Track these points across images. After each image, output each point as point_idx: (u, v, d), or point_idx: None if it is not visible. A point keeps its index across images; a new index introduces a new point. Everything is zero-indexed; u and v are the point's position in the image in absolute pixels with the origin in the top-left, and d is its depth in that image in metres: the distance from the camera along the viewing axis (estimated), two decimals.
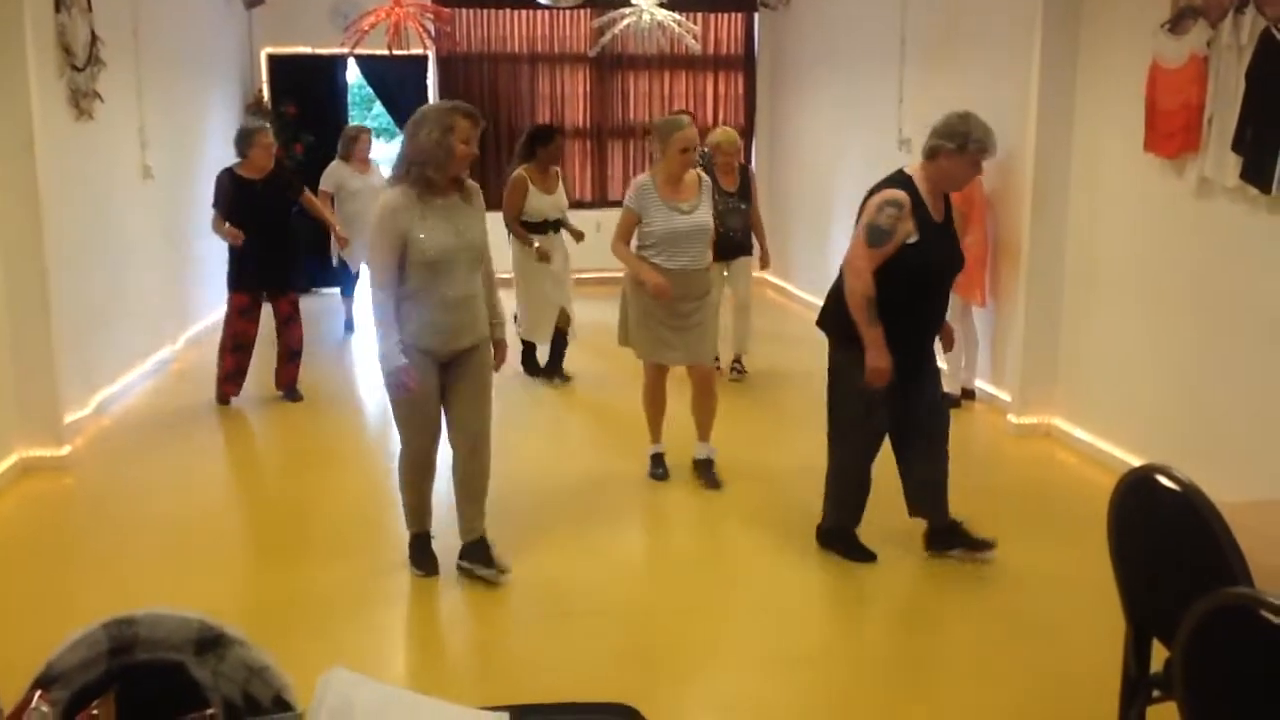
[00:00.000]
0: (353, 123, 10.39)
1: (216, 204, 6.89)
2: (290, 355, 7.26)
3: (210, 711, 1.54)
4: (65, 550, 4.91)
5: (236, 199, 6.81)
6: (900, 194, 4.25)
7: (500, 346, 4.52)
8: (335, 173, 9.07)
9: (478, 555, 4.45)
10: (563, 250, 7.52)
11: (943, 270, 4.41)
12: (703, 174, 5.57)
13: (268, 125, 7.32)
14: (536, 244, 7.23)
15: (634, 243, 5.40)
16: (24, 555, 4.83)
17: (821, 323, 4.62)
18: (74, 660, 1.54)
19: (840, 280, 4.45)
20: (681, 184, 5.35)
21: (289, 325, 7.18)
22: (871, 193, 4.35)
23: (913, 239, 4.23)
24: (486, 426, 4.45)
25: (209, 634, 1.62)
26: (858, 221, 4.35)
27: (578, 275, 8.12)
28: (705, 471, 5.58)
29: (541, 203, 7.35)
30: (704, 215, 5.40)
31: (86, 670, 1.54)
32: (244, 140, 6.93)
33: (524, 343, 7.69)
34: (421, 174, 4.08)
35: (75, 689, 1.52)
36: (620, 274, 5.59)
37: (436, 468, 4.52)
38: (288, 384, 7.28)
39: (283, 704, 1.63)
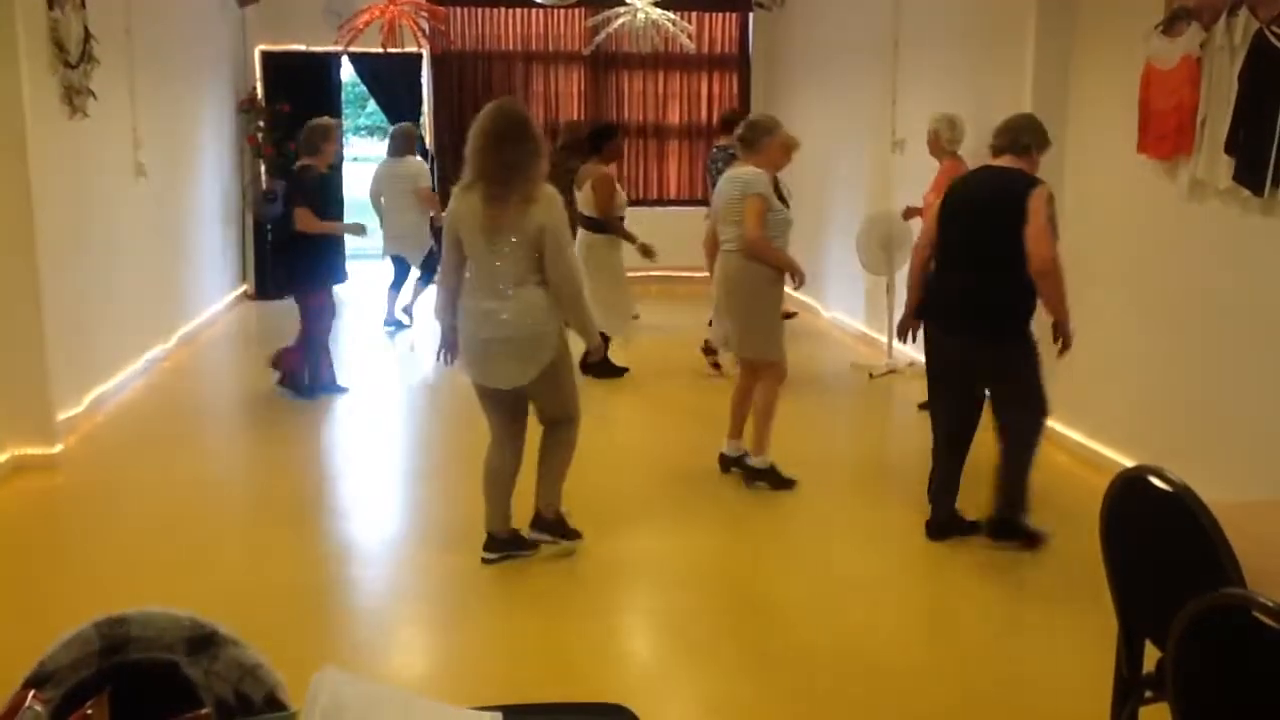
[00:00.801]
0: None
1: (309, 201, 6.89)
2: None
3: (204, 711, 1.53)
4: (57, 548, 4.89)
5: (322, 194, 6.96)
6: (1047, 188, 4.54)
7: None
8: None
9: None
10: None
11: None
12: None
13: (336, 119, 7.47)
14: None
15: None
16: (15, 553, 4.82)
17: (978, 328, 4.59)
18: (66, 659, 1.53)
19: (986, 285, 4.54)
20: None
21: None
22: (1016, 189, 4.47)
23: None
24: None
25: (201, 633, 1.62)
26: (1018, 217, 4.41)
27: None
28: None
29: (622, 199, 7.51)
30: None
31: (78, 670, 1.54)
32: (321, 136, 7.01)
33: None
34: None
35: (67, 688, 1.51)
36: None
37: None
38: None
39: (276, 703, 1.62)
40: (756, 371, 5.57)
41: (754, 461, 5.54)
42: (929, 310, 4.81)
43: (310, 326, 7.09)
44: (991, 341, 4.59)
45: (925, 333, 4.87)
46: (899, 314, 8.00)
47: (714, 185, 6.28)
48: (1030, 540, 4.70)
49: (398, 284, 9.51)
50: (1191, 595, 1.97)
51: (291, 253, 7.10)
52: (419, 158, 8.06)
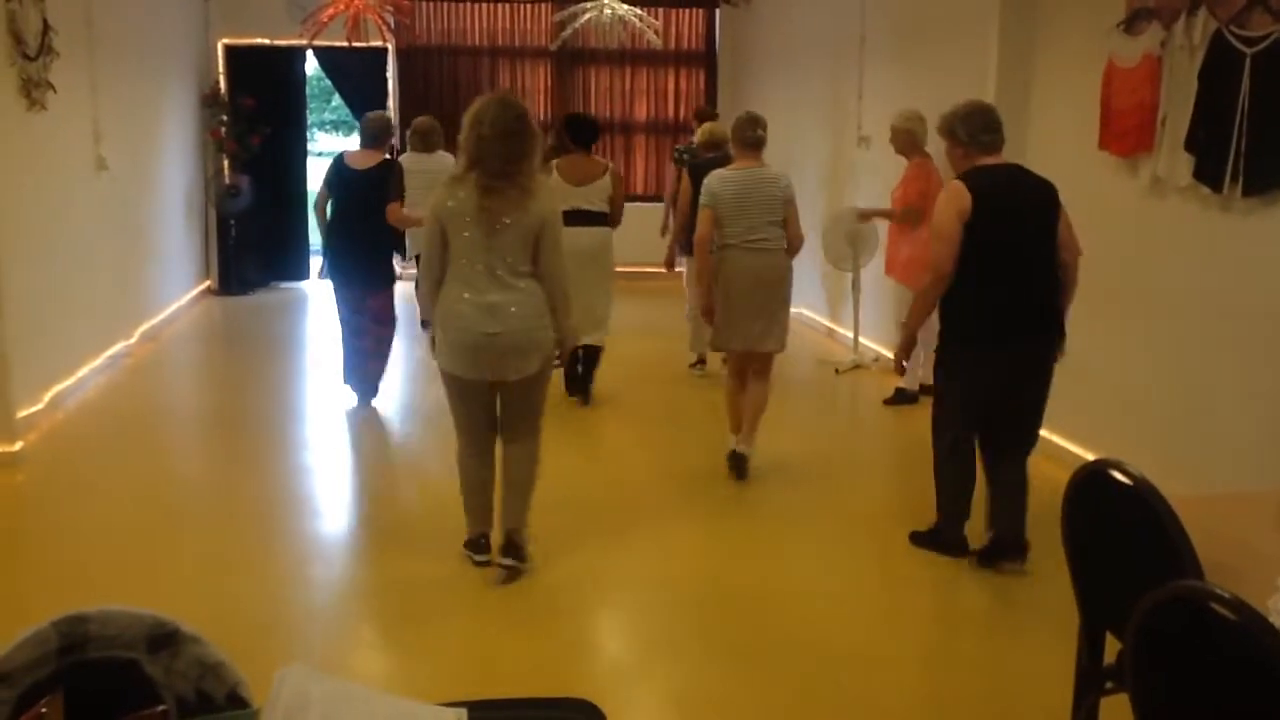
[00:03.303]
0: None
1: (400, 195, 6.61)
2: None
3: (161, 708, 1.52)
4: (16, 547, 4.84)
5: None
6: None
7: None
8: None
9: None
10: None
11: None
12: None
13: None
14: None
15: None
16: None
17: (1045, 338, 4.46)
18: (22, 659, 1.51)
19: (1047, 289, 4.44)
20: None
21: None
22: (1048, 187, 4.44)
23: None
24: None
25: (162, 631, 1.61)
26: (1057, 216, 4.42)
27: None
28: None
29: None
30: None
31: (36, 669, 1.52)
32: (386, 128, 7.06)
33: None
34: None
35: (24, 688, 1.50)
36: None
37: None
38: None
39: (238, 700, 1.61)
40: (761, 366, 5.60)
41: (743, 450, 5.61)
42: (976, 329, 4.40)
43: (391, 327, 6.88)
44: (1052, 348, 4.46)
45: (957, 355, 4.46)
46: (864, 310, 8.03)
47: (696, 181, 6.07)
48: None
49: None
50: (1151, 587, 2.00)
51: (379, 248, 6.78)
52: (447, 153, 7.74)
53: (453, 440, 4.52)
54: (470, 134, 4.16)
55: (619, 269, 7.20)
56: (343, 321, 6.84)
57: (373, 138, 6.86)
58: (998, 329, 4.36)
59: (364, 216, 6.58)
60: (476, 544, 4.49)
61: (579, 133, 7.03)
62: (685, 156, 8.18)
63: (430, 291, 4.34)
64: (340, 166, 6.72)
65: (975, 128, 4.42)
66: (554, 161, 6.93)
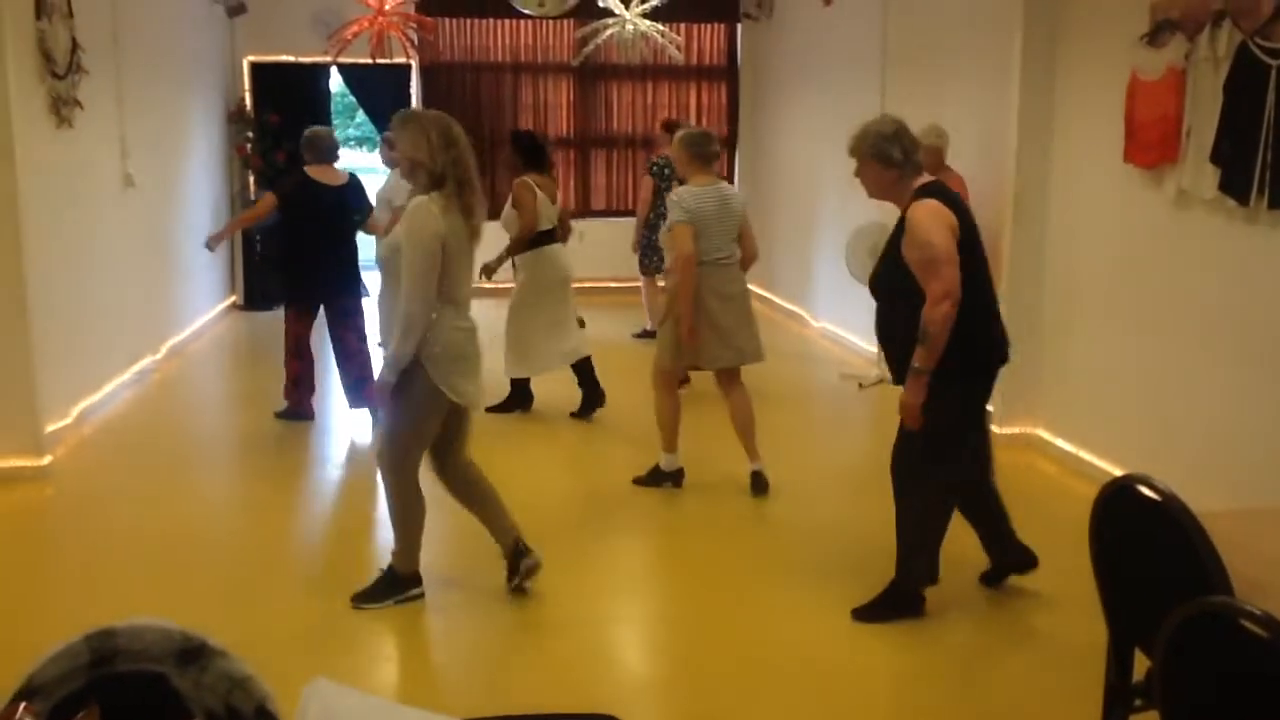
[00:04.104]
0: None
1: (371, 207, 7.12)
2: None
3: None
4: (46, 561, 4.88)
5: None
6: None
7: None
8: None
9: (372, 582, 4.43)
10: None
11: (873, 285, 4.24)
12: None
13: None
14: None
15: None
16: (3, 565, 4.79)
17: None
18: (55, 672, 1.53)
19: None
20: None
21: None
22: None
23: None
24: (384, 464, 4.34)
25: (191, 645, 1.62)
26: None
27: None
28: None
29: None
30: None
31: (67, 682, 1.53)
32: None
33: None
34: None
35: (56, 701, 1.51)
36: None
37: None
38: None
39: (266, 715, 1.62)
40: (735, 376, 5.62)
41: (761, 468, 5.57)
42: (987, 362, 4.12)
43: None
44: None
45: (962, 387, 4.05)
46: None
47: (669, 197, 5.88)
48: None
49: None
50: (1180, 603, 1.98)
51: (357, 260, 6.99)
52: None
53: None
54: (446, 154, 4.06)
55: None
56: (335, 340, 6.87)
57: (332, 152, 6.90)
58: (997, 361, 4.14)
59: (350, 231, 6.87)
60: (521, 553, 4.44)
61: (542, 153, 7.13)
62: (666, 171, 8.22)
63: (426, 323, 4.09)
64: (312, 184, 6.68)
65: (909, 146, 4.06)
66: (532, 179, 6.86)
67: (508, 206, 6.94)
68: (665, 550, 5.15)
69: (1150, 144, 5.27)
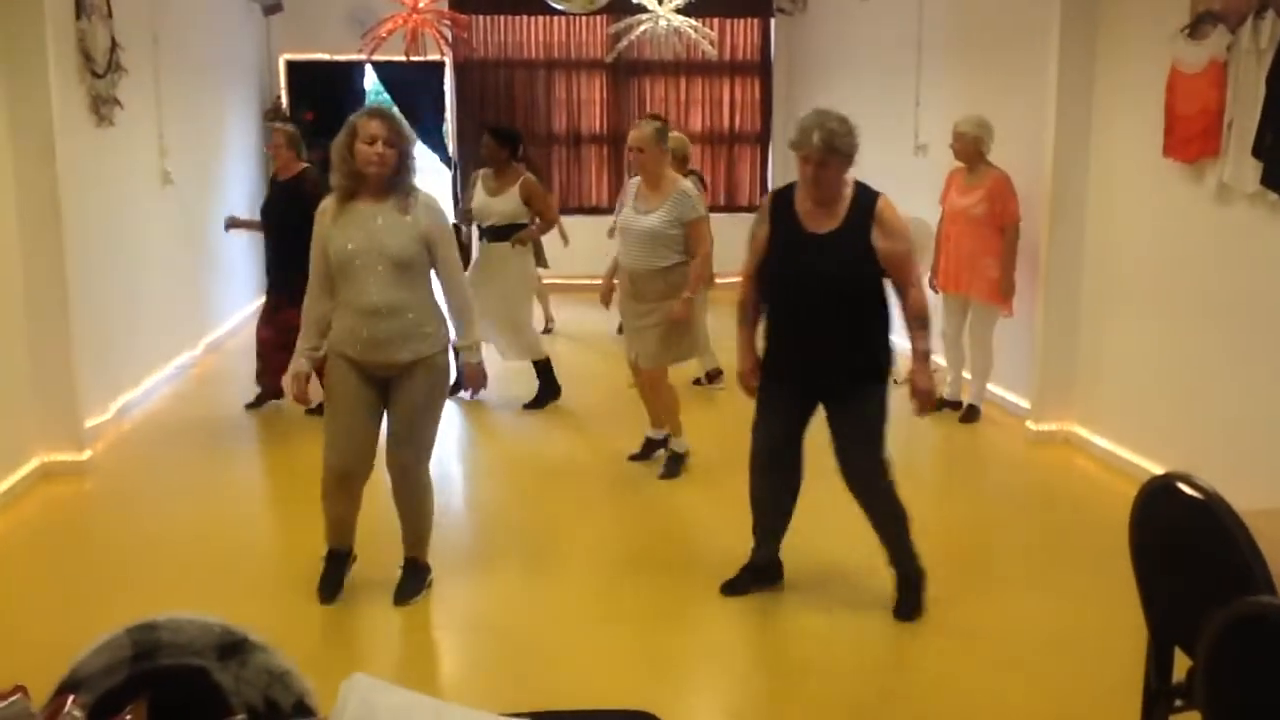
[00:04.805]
0: None
1: None
2: None
3: (240, 718, 1.55)
4: (86, 555, 4.93)
5: None
6: (767, 198, 4.29)
7: (467, 369, 4.37)
8: None
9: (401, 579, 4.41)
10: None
11: (796, 283, 4.05)
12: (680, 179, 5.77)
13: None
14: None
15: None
16: (45, 560, 4.86)
17: None
18: (98, 665, 1.55)
19: None
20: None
21: None
22: None
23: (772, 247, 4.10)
24: (414, 457, 4.25)
25: (231, 639, 1.63)
26: None
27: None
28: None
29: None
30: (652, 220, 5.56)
31: (110, 675, 1.55)
32: None
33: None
34: (336, 179, 4.14)
35: (99, 693, 1.53)
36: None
37: (358, 491, 4.40)
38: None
39: (305, 709, 1.63)
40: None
41: (677, 445, 5.90)
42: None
43: None
44: None
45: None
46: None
47: None
48: None
49: None
50: (1221, 603, 1.96)
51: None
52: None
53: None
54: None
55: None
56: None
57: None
58: None
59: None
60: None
61: (522, 146, 7.41)
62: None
63: None
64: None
65: (857, 141, 4.06)
66: (525, 173, 7.15)
67: (493, 196, 7.11)
68: (691, 543, 5.15)
69: (1191, 138, 5.21)
